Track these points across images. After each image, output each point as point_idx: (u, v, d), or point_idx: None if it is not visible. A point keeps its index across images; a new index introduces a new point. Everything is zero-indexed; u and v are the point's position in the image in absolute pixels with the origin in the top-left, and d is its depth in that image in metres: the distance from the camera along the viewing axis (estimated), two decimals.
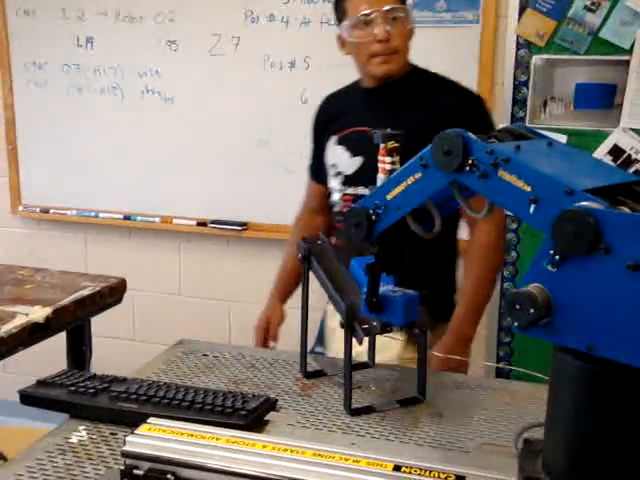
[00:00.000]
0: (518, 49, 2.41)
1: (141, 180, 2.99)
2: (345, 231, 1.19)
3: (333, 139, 1.87)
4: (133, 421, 1.09)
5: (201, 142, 2.89)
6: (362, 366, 1.44)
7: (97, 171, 3.05)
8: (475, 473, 0.91)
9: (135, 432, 1.01)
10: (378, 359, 1.45)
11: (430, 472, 0.91)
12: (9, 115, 3.12)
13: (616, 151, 2.35)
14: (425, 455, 1.11)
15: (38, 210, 3.17)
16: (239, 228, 2.88)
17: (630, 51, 2.29)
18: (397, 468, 0.92)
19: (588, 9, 2.32)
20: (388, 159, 1.17)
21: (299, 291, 2.02)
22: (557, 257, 0.84)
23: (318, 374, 1.43)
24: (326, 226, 2.00)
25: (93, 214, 3.08)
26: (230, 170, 2.87)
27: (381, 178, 1.18)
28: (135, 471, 0.98)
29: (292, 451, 0.96)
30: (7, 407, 2.75)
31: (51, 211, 3.14)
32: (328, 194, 1.91)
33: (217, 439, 1.00)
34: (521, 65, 2.42)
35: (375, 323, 1.20)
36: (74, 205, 3.10)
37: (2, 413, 3.00)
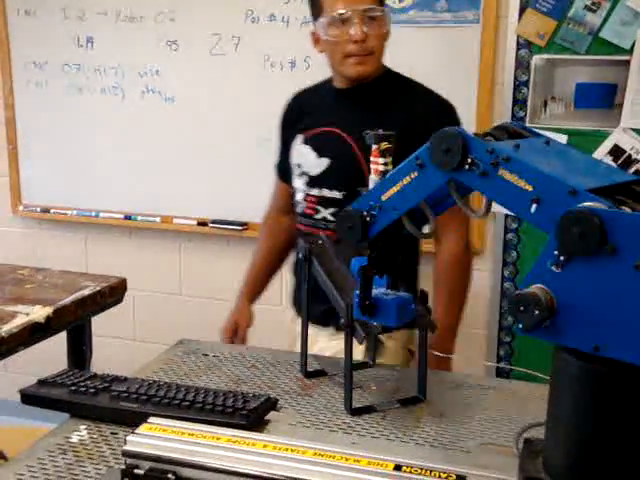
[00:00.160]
0: (518, 49, 2.41)
1: (141, 180, 2.99)
2: (338, 235, 1.18)
3: (299, 138, 1.82)
4: (134, 421, 1.09)
5: (202, 142, 2.89)
6: (363, 366, 1.45)
7: (97, 171, 3.05)
8: (476, 473, 0.91)
9: (136, 432, 1.01)
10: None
11: (431, 472, 0.91)
12: (9, 115, 3.12)
13: (616, 151, 2.35)
14: (426, 455, 1.11)
15: (38, 210, 3.17)
16: (239, 228, 2.87)
17: (630, 51, 2.29)
18: (398, 468, 0.92)
19: (588, 9, 2.32)
20: (381, 160, 1.16)
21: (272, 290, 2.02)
22: (562, 258, 0.83)
23: (319, 374, 1.43)
24: (293, 226, 1.95)
25: (93, 214, 3.08)
26: (231, 170, 2.87)
27: (374, 179, 1.16)
28: (136, 470, 0.98)
29: (293, 451, 0.96)
30: (8, 407, 2.75)
31: (51, 211, 3.14)
32: (293, 194, 1.87)
33: (218, 439, 1.00)
34: (521, 65, 2.42)
35: (376, 323, 1.20)
36: (74, 205, 3.10)
37: (3, 412, 3.00)
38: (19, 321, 1.68)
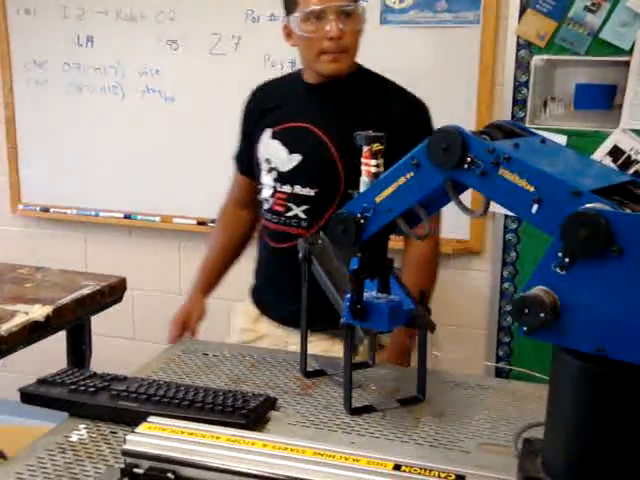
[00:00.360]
0: (518, 50, 2.41)
1: (141, 179, 2.99)
2: (331, 238, 1.16)
3: (268, 132, 1.77)
4: (133, 420, 1.09)
5: (201, 141, 2.89)
6: (362, 366, 1.45)
7: (97, 170, 3.05)
8: (475, 472, 0.92)
9: (135, 431, 1.01)
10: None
11: (430, 471, 0.91)
12: (9, 114, 3.12)
13: (616, 152, 2.35)
14: (425, 454, 1.11)
15: (38, 209, 3.16)
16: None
17: (630, 52, 2.29)
18: (397, 467, 0.92)
19: (588, 10, 2.32)
20: (373, 162, 1.15)
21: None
22: (566, 260, 0.82)
23: (318, 373, 1.43)
24: (251, 220, 1.94)
25: (93, 213, 3.08)
26: (230, 169, 2.86)
27: (365, 182, 1.15)
28: (135, 470, 0.98)
29: (292, 450, 0.96)
30: (7, 406, 2.75)
31: (51, 210, 3.14)
32: (259, 189, 1.82)
33: (217, 438, 1.00)
34: (521, 65, 2.42)
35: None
36: (74, 204, 3.10)
37: (2, 412, 3.00)
38: (18, 320, 1.68)
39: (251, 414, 1.16)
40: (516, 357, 2.58)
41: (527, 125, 2.31)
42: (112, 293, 1.99)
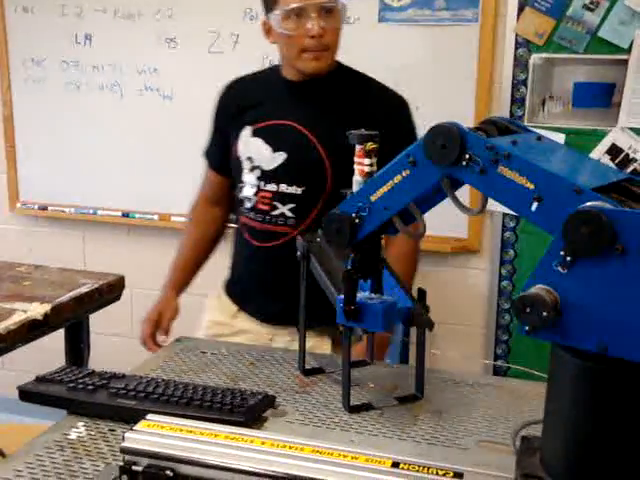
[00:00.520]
0: (517, 48, 2.42)
1: (139, 177, 2.99)
2: (325, 238, 1.15)
3: (247, 130, 1.74)
4: (132, 417, 1.10)
5: (199, 139, 2.87)
6: (361, 364, 1.45)
7: (95, 168, 3.04)
8: (473, 470, 0.92)
9: (134, 428, 1.01)
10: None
11: (428, 469, 0.91)
12: (7, 112, 3.12)
13: (614, 150, 2.35)
14: (423, 452, 1.11)
15: (36, 207, 3.16)
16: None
17: (629, 50, 2.29)
18: (395, 465, 0.92)
19: (587, 8, 2.33)
20: (367, 161, 1.14)
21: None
22: (568, 258, 0.82)
23: (316, 371, 1.43)
24: (223, 217, 1.93)
25: (91, 211, 3.08)
26: None
27: (358, 181, 1.14)
28: (134, 467, 0.98)
29: (291, 448, 0.96)
30: (6, 404, 2.75)
31: (49, 208, 3.14)
32: (239, 188, 1.78)
33: (216, 436, 1.00)
34: (520, 64, 2.42)
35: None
36: (72, 202, 3.10)
37: (1, 410, 3.00)
38: (17, 318, 1.68)
39: (250, 412, 1.16)
40: (514, 355, 2.58)
41: (525, 123, 2.31)
42: (110, 291, 1.99)
